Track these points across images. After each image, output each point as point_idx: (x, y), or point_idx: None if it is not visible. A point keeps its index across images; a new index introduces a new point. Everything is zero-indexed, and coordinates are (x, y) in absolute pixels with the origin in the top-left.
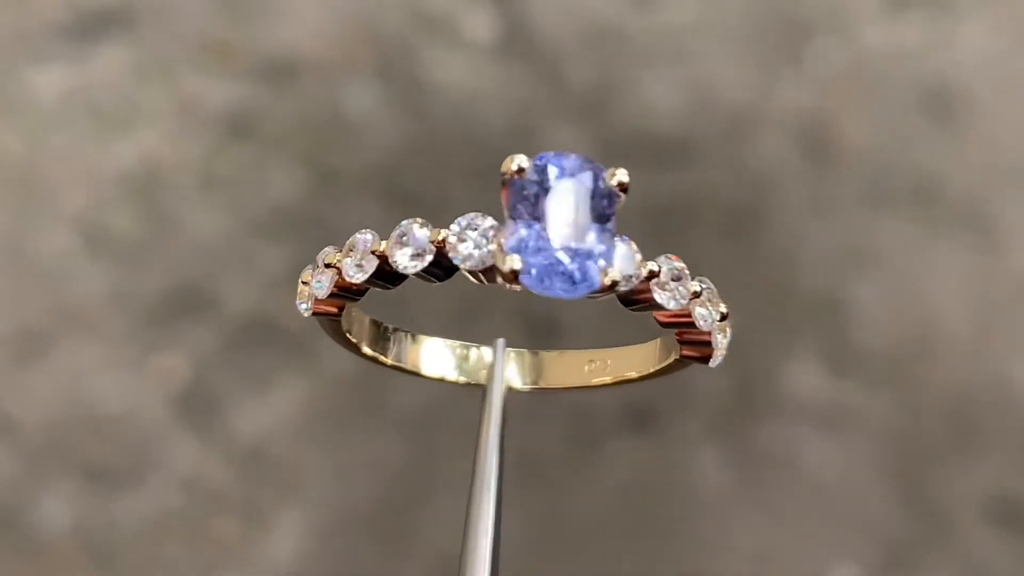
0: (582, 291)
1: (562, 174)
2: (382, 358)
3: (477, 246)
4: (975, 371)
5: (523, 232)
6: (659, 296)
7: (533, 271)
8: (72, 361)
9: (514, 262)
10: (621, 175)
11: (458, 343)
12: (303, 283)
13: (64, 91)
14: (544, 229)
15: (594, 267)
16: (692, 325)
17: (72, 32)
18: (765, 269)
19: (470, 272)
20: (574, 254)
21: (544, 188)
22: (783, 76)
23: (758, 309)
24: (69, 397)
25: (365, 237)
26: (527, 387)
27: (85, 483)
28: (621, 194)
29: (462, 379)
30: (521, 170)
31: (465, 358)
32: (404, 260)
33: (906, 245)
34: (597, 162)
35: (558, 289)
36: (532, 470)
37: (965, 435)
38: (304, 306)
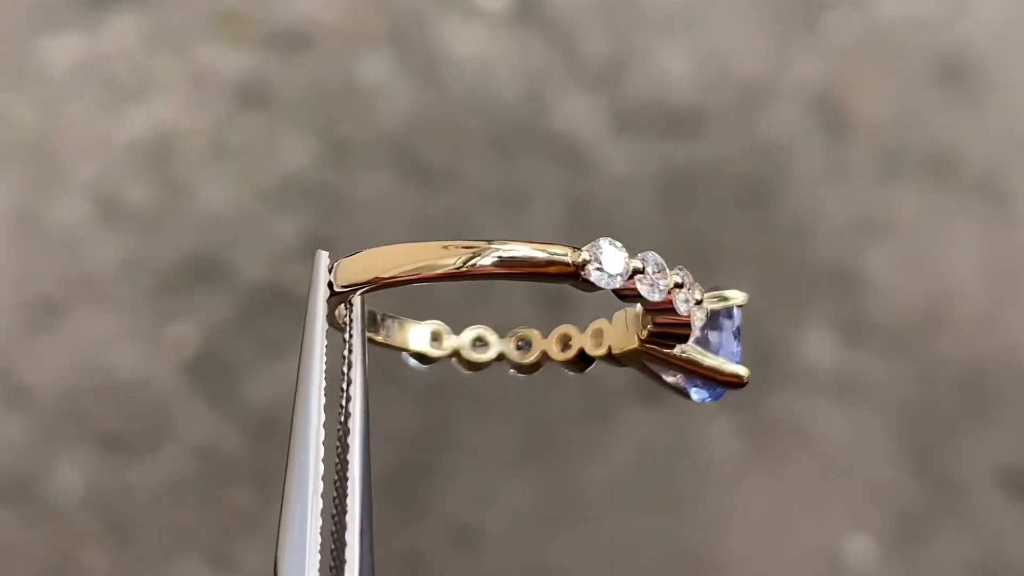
0: (701, 400)
1: None
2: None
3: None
4: (989, 342)
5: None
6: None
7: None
8: (85, 330)
9: (746, 374)
10: None
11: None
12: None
13: (76, 61)
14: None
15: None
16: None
17: (84, 1)
18: (779, 240)
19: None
20: None
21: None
22: (797, 47)
23: (772, 279)
24: (82, 366)
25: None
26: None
27: (98, 451)
28: None
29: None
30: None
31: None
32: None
33: (920, 216)
34: None
35: (708, 397)
36: (544, 441)
37: (978, 405)
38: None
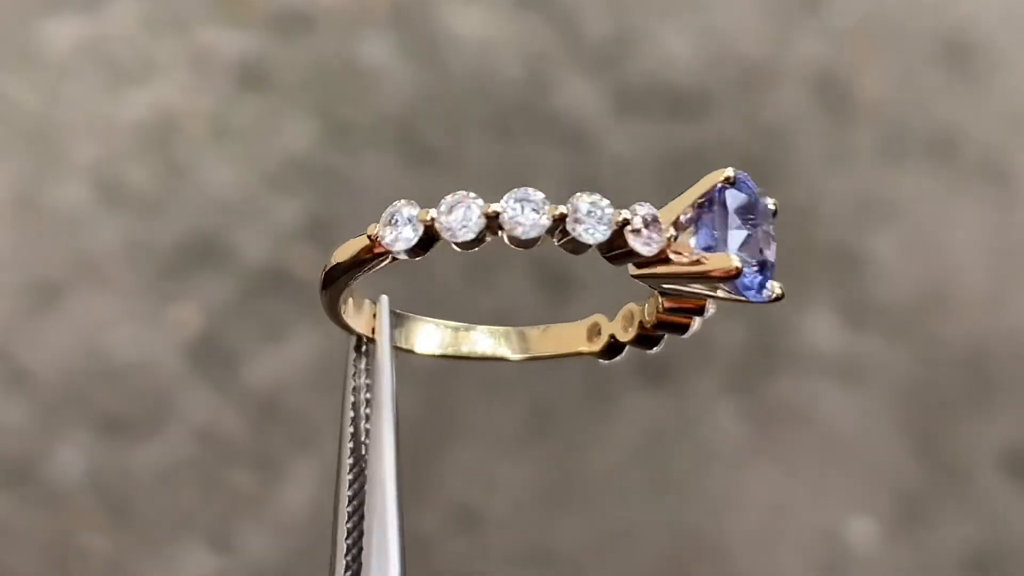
0: (758, 299)
1: (760, 194)
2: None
3: (649, 242)
4: (992, 324)
5: (741, 238)
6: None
7: (744, 276)
8: (87, 312)
9: (736, 262)
10: (772, 203)
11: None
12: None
13: (77, 42)
14: (753, 239)
15: (769, 282)
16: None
17: None
18: (781, 221)
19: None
20: (763, 267)
21: (749, 206)
22: (800, 27)
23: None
24: (84, 348)
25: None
26: (517, 357)
27: (100, 434)
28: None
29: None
30: (729, 180)
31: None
32: (587, 235)
33: (924, 198)
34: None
35: (747, 294)
36: (547, 424)
37: (981, 388)
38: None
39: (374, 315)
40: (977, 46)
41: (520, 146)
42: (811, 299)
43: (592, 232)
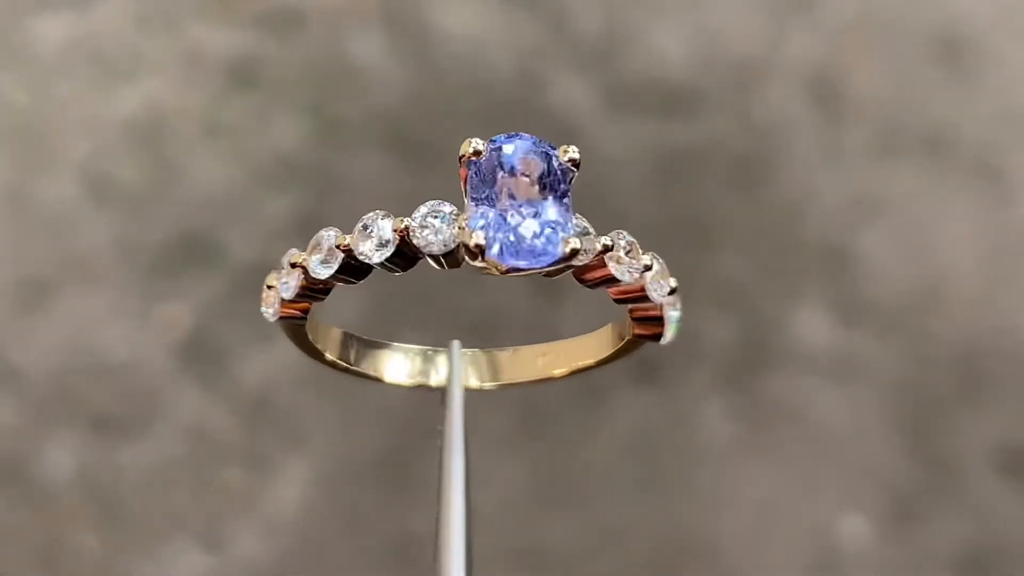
0: (544, 262)
1: (516, 154)
2: (345, 364)
3: (438, 232)
4: (984, 321)
5: (485, 211)
6: (614, 269)
7: (496, 246)
8: (76, 310)
9: (478, 238)
10: (572, 152)
11: (416, 349)
12: (268, 287)
13: (67, 39)
14: (505, 207)
15: (556, 237)
16: (645, 299)
17: None
18: (774, 219)
19: (432, 258)
20: (535, 228)
21: (501, 169)
22: (793, 25)
23: (766, 259)
24: (73, 346)
25: (329, 233)
26: (490, 385)
27: (90, 432)
28: (574, 170)
29: (415, 382)
30: (478, 152)
31: (421, 365)
32: (369, 251)
33: (916, 195)
34: (548, 141)
35: (522, 261)
36: (538, 421)
37: (973, 385)
38: (270, 311)
39: (342, 343)
40: (970, 44)
41: None
42: (803, 296)
43: (370, 254)
